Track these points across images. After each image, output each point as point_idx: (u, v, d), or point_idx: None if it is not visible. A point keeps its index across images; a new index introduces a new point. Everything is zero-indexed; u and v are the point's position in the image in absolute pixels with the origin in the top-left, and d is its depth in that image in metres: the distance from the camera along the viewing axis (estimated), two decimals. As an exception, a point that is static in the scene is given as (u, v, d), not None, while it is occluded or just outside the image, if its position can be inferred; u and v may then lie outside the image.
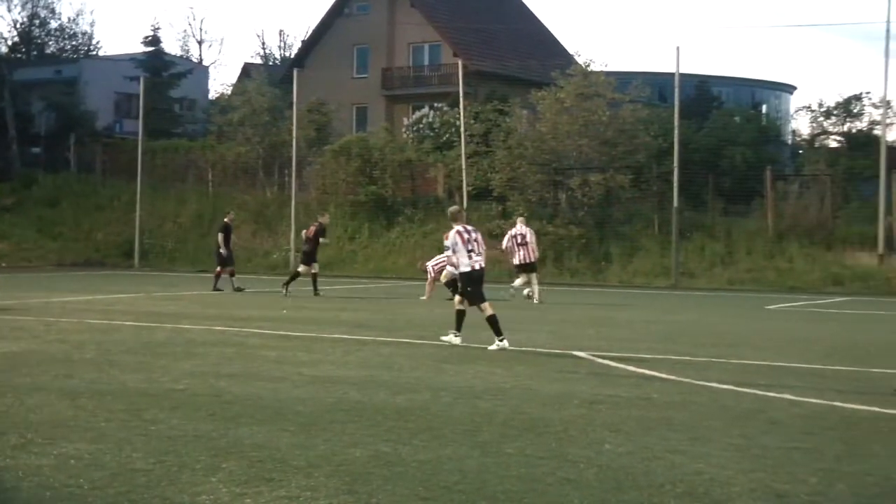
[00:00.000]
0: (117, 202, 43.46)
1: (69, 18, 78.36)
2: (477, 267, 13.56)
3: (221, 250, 25.76)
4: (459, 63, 38.49)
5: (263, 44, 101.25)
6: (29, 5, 61.19)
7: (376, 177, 39.30)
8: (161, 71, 54.03)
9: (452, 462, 6.77)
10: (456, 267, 14.13)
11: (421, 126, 43.00)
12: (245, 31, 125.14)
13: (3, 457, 6.60)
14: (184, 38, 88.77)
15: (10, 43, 60.68)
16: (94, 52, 64.89)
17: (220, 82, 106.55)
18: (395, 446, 7.18)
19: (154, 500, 5.73)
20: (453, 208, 14.58)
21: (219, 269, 25.96)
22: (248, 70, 58.41)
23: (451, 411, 8.70)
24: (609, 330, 16.93)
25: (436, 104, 44.13)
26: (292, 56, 61.32)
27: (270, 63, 68.55)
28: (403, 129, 44.52)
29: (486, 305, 13.49)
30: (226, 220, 26.75)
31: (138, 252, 39.45)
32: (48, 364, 11.19)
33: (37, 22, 62.05)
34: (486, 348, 13.12)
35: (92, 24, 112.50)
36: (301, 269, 24.88)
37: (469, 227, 13.90)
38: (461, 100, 37.13)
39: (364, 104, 50.34)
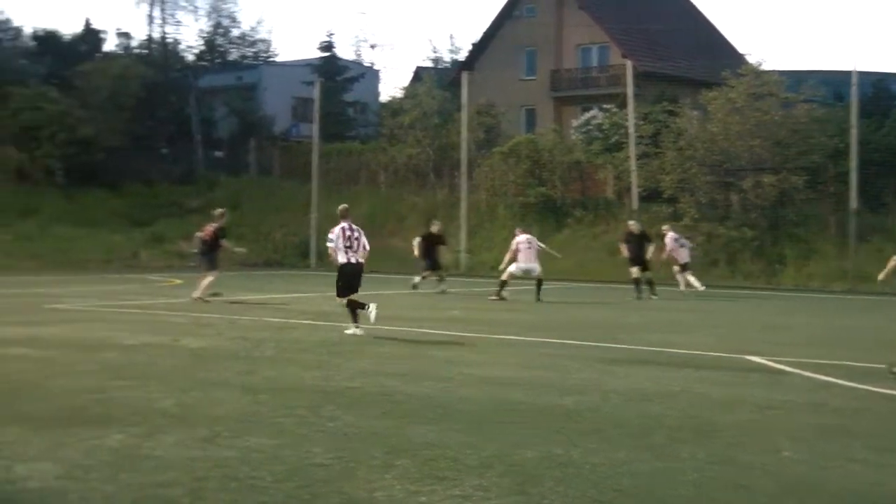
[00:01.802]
0: (294, 204, 44.69)
1: (250, 27, 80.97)
2: (353, 261, 14.94)
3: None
4: (628, 64, 38.13)
5: (434, 47, 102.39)
6: (213, 15, 63.58)
7: (545, 178, 39.32)
8: (335, 75, 55.35)
9: (624, 465, 6.77)
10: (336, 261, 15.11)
11: (590, 127, 42.78)
12: (416, 36, 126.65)
13: (194, 448, 6.94)
14: (357, 43, 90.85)
15: (196, 52, 63.22)
16: (273, 59, 66.86)
17: (392, 86, 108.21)
18: (566, 448, 7.21)
19: (332, 495, 5.90)
20: (342, 207, 15.54)
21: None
22: (418, 73, 59.26)
23: (621, 414, 8.69)
24: (783, 334, 16.53)
25: (604, 105, 43.83)
26: (462, 59, 61.84)
27: (440, 66, 69.28)
28: (572, 131, 44.36)
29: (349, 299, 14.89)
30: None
31: (314, 252, 40.48)
32: (231, 360, 11.65)
33: (220, 31, 64.39)
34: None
35: (270, 32, 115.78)
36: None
37: (354, 226, 15.18)
38: (630, 101, 36.78)
39: (532, 106, 50.39)
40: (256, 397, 9.09)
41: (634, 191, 35.87)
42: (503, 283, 23.06)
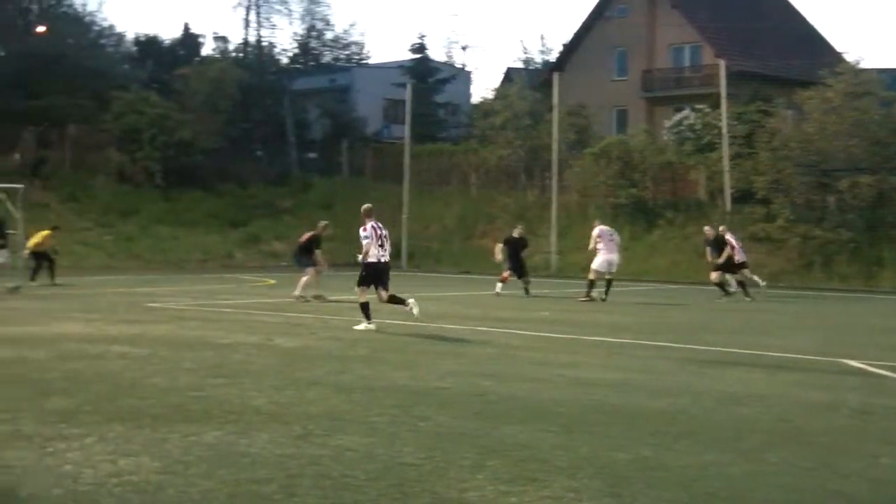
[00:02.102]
0: (385, 205, 44.92)
1: (343, 29, 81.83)
2: (384, 260, 15.50)
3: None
4: (721, 64, 37.66)
5: (525, 48, 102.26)
6: (307, 18, 64.37)
7: (636, 179, 39.06)
8: (426, 77, 55.65)
9: (715, 468, 6.72)
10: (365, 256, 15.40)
11: (682, 128, 42.35)
12: (507, 37, 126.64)
13: (289, 446, 7.07)
14: (448, 44, 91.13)
15: (290, 55, 64.06)
16: (365, 61, 67.45)
17: (483, 87, 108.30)
18: (657, 450, 7.19)
19: (424, 495, 5.95)
20: (366, 206, 16.00)
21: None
22: (509, 74, 59.27)
23: (713, 417, 8.62)
24: (882, 337, 16.19)
25: (697, 105, 43.35)
26: (553, 60, 61.69)
27: (531, 67, 69.16)
28: (664, 131, 43.99)
29: (381, 294, 15.58)
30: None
31: (405, 253, 40.75)
32: (324, 360, 11.82)
33: (314, 34, 65.14)
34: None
35: (363, 34, 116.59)
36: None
37: (381, 225, 15.71)
38: (723, 101, 36.33)
39: (624, 106, 50.05)
40: (349, 396, 9.21)
41: (727, 192, 35.42)
42: (591, 283, 22.95)
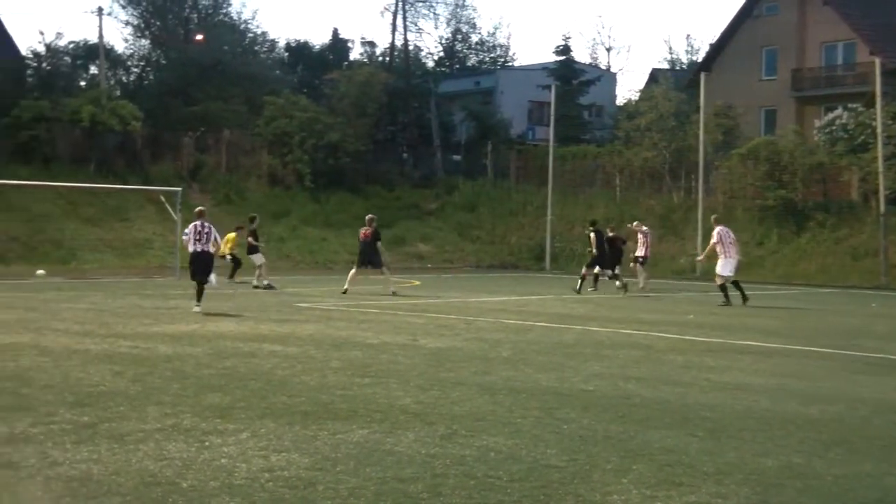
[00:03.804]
0: (529, 207, 45.08)
1: (488, 32, 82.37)
2: (199, 250, 18.65)
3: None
4: (877, 61, 36.40)
5: (670, 49, 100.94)
6: (453, 22, 64.98)
7: (785, 181, 38.16)
8: (571, 79, 55.46)
9: (871, 479, 6.54)
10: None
11: (833, 128, 41.10)
12: (652, 37, 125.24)
13: (433, 445, 7.17)
14: (593, 45, 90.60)
15: (436, 58, 64.74)
16: (510, 64, 67.61)
17: (628, 88, 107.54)
18: (809, 458, 7.03)
19: (567, 497, 5.96)
20: (198, 209, 19.65)
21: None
22: (655, 75, 58.60)
23: (869, 425, 8.37)
24: None
25: (850, 105, 42.02)
26: (699, 60, 60.74)
27: (677, 68, 68.29)
28: (815, 131, 42.76)
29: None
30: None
31: (549, 255, 40.72)
32: (469, 361, 11.91)
33: (459, 37, 65.70)
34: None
35: (508, 37, 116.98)
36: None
37: (206, 223, 18.88)
38: (878, 99, 35.13)
39: (772, 106, 48.86)
40: (493, 397, 9.27)
41: (882, 194, 34.24)
42: (724, 288, 22.38)
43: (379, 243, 24.44)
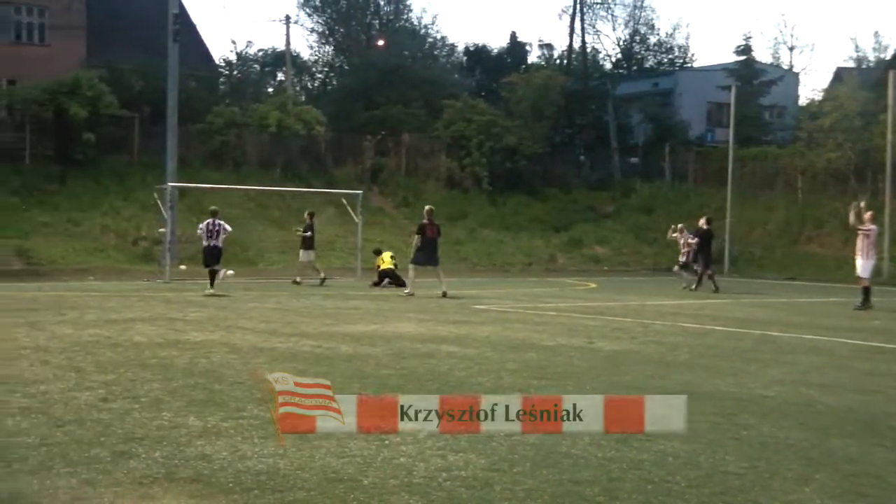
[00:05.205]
0: (707, 210, 44.19)
1: (667, 33, 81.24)
2: (212, 245, 23.09)
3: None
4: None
5: (857, 46, 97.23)
6: (631, 23, 64.38)
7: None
8: (751, 79, 54.16)
9: None
10: None
11: None
12: (838, 35, 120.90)
13: (609, 448, 7.16)
14: (774, 45, 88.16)
15: (613, 60, 64.24)
16: (689, 64, 66.52)
17: (811, 88, 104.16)
18: None
19: (746, 504, 5.92)
20: (212, 208, 24.61)
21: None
22: (839, 74, 56.67)
23: None
24: None
25: None
26: (888, 58, 58.37)
27: (864, 66, 65.78)
28: None
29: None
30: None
31: (728, 258, 39.93)
32: (645, 364, 11.84)
33: (637, 38, 65.02)
34: None
35: (687, 38, 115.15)
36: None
37: (218, 222, 23.28)
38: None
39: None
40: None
41: None
42: (866, 291, 21.46)
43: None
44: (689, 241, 28.27)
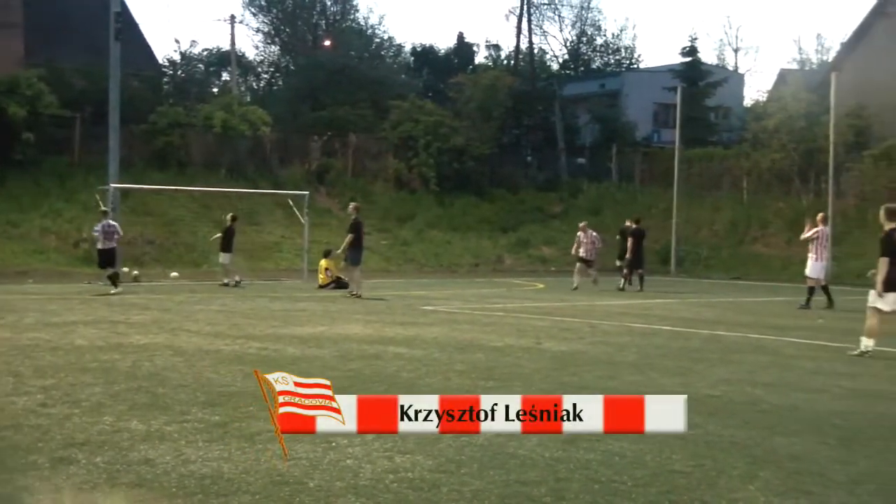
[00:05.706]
0: (654, 210, 44.57)
1: (613, 34, 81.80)
2: (105, 247, 23.39)
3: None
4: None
5: (800, 49, 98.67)
6: (578, 24, 64.73)
7: (924, 183, 36.95)
8: (697, 80, 54.61)
9: None
10: None
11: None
12: (781, 38, 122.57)
13: (557, 449, 7.15)
14: (720, 46, 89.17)
15: (560, 61, 64.56)
16: (636, 65, 67.02)
17: (755, 89, 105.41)
18: (944, 469, 6.83)
19: (693, 503, 5.92)
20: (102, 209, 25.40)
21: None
22: (783, 76, 57.37)
23: None
24: None
25: None
26: (830, 60, 59.21)
27: (807, 68, 66.71)
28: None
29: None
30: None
31: (675, 259, 40.20)
32: (593, 364, 11.86)
33: (584, 39, 65.41)
34: None
35: (634, 39, 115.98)
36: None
37: (112, 223, 23.66)
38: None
39: (909, 106, 47.21)
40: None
41: None
42: (811, 291, 21.96)
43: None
44: (594, 238, 29.00)
